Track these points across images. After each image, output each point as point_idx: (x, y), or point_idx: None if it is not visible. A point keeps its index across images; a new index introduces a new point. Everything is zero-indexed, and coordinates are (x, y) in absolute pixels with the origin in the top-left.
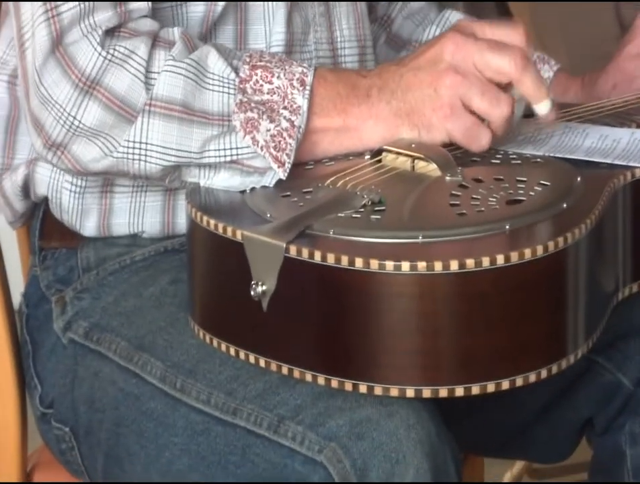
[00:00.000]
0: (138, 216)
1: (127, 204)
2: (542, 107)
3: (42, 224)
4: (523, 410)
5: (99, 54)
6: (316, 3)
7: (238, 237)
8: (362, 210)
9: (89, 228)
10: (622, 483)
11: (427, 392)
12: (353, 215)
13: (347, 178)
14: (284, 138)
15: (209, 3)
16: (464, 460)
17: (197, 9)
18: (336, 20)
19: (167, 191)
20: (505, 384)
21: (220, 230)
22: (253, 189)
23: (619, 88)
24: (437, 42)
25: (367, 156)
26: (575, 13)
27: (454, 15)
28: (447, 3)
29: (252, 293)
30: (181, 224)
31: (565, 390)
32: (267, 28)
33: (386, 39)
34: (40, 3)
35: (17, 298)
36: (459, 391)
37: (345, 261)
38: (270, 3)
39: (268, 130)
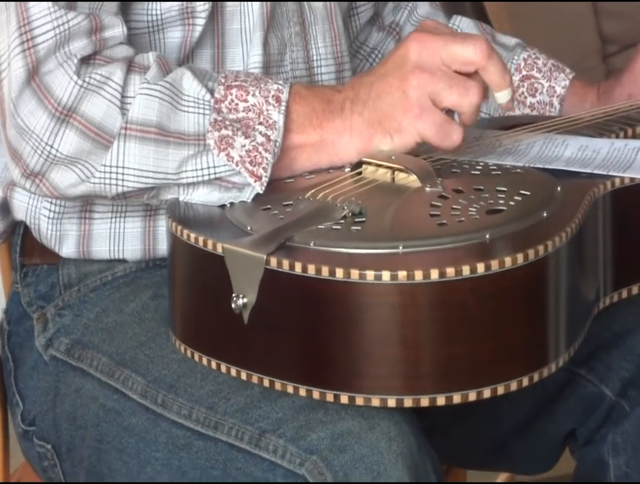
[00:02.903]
0: (118, 243)
1: (106, 231)
2: (504, 95)
3: (22, 240)
4: (505, 422)
5: (75, 82)
6: (292, 22)
7: (219, 250)
8: (343, 221)
9: (68, 253)
10: None
11: (408, 402)
12: (334, 226)
13: (328, 190)
14: (260, 153)
15: (186, 28)
16: (447, 473)
17: (174, 35)
18: (312, 39)
19: (147, 216)
20: (487, 393)
21: (201, 244)
22: (232, 203)
23: (634, 97)
24: (403, 44)
25: (347, 169)
26: (557, 28)
27: (463, 21)
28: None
29: (233, 306)
30: (162, 250)
31: (547, 402)
32: (245, 51)
33: None
34: (16, 33)
35: None
36: (440, 400)
37: (325, 271)
38: (247, 26)
39: (243, 146)
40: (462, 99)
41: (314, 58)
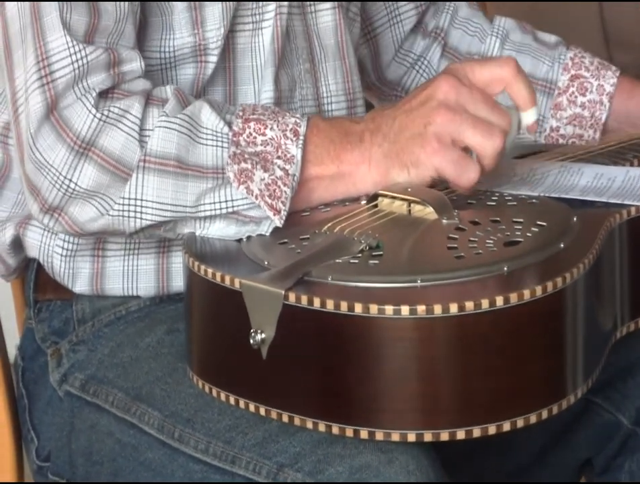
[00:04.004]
0: (132, 280)
1: (119, 268)
2: (530, 115)
3: (36, 276)
4: (522, 453)
5: (94, 116)
6: (301, 60)
7: (237, 286)
8: (360, 255)
9: (81, 290)
10: None
11: (428, 436)
12: (351, 260)
13: (344, 224)
14: (279, 186)
15: (198, 65)
16: None
17: (187, 72)
18: (322, 76)
19: (160, 253)
20: (506, 426)
21: (218, 279)
22: (249, 237)
23: None
24: (431, 84)
25: (363, 201)
26: None
27: (506, 22)
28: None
29: (251, 341)
30: (176, 287)
31: (564, 431)
32: (256, 87)
33: (442, 54)
34: (34, 68)
35: (12, 351)
36: (460, 434)
37: (344, 307)
38: (258, 63)
39: (262, 179)
40: (486, 141)
41: (324, 95)
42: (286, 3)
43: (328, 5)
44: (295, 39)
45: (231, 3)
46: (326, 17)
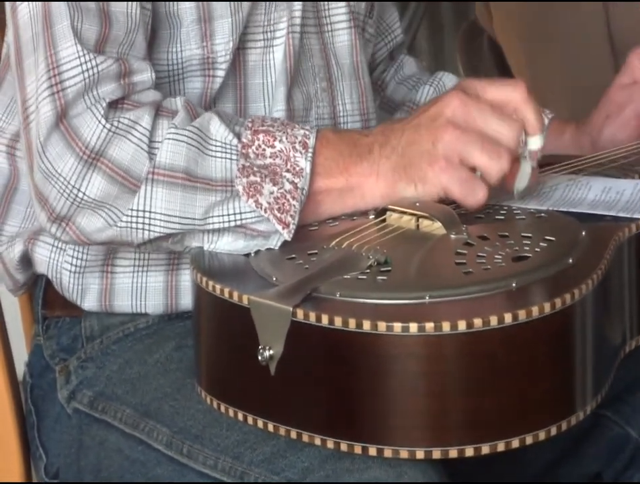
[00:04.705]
0: (141, 297)
1: (128, 285)
2: (536, 141)
3: (44, 293)
4: (531, 467)
5: (103, 126)
6: (318, 78)
7: (245, 302)
8: (368, 271)
9: (90, 306)
10: None
11: (437, 453)
12: (359, 276)
13: (352, 239)
14: (288, 200)
15: (206, 79)
16: None
17: (194, 85)
18: (339, 95)
19: (169, 271)
20: (515, 443)
21: (226, 295)
22: (257, 252)
23: (611, 119)
24: (441, 100)
25: (371, 216)
26: (575, 68)
27: (447, 77)
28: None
29: (259, 358)
30: (185, 304)
31: (573, 445)
32: (267, 106)
33: (380, 104)
34: (45, 77)
35: (20, 367)
36: (469, 451)
37: (352, 323)
38: (269, 80)
39: (271, 193)
40: (492, 162)
41: (341, 114)
42: (298, 22)
43: (344, 24)
44: (312, 58)
45: (241, 17)
46: (342, 37)
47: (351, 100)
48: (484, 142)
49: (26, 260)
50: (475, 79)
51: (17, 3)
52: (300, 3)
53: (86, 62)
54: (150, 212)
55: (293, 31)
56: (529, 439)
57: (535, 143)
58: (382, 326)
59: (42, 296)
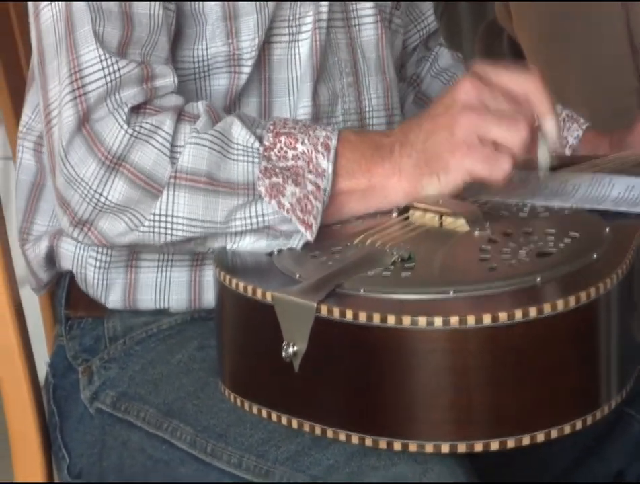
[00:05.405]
0: (164, 292)
1: (152, 280)
2: (550, 124)
3: (67, 293)
4: (555, 465)
5: (125, 131)
6: (344, 73)
7: (268, 299)
8: (392, 267)
9: (114, 302)
10: None
11: (462, 447)
12: (384, 273)
13: (376, 236)
14: (310, 201)
15: (231, 75)
16: None
17: (220, 82)
18: (365, 90)
19: (193, 266)
20: (540, 437)
21: (250, 292)
22: (280, 250)
23: None
24: (454, 87)
25: (394, 214)
26: (595, 68)
27: None
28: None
29: (283, 354)
30: (208, 300)
31: (596, 442)
32: (292, 101)
33: (414, 99)
34: (67, 81)
35: (40, 367)
36: (494, 445)
37: (377, 318)
38: (294, 75)
39: (294, 194)
40: (511, 132)
41: (367, 109)
42: (325, 17)
43: (371, 18)
44: (338, 53)
45: (267, 15)
46: (369, 31)
47: (377, 95)
48: (500, 116)
49: (51, 257)
50: (489, 65)
51: (40, 7)
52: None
53: (108, 67)
54: (172, 216)
55: (320, 26)
56: (554, 433)
57: (549, 123)
58: (406, 320)
59: (65, 296)
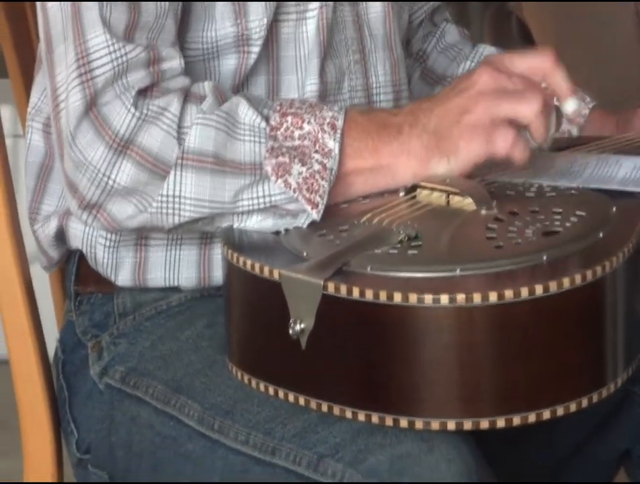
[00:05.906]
0: (174, 270)
1: (162, 258)
2: (570, 104)
3: (77, 269)
4: (561, 444)
5: (133, 114)
6: (351, 50)
7: (276, 277)
8: (399, 245)
9: (124, 280)
10: None
11: (468, 425)
12: (390, 251)
13: (383, 215)
14: (317, 180)
15: (240, 55)
16: None
17: (229, 62)
18: (372, 67)
19: (202, 244)
20: (546, 414)
21: (257, 270)
22: (287, 228)
23: None
24: (471, 75)
25: (401, 193)
26: (604, 52)
27: (487, 50)
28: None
29: (290, 331)
30: (218, 277)
31: (601, 422)
32: (300, 78)
33: (420, 75)
34: (74, 65)
35: (49, 342)
36: (500, 422)
37: (383, 296)
38: (302, 53)
39: (300, 173)
40: (523, 105)
41: (374, 85)
42: None
43: None
44: (345, 30)
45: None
46: (376, 7)
47: (384, 71)
48: (508, 93)
49: (61, 236)
50: (502, 53)
51: None
52: None
53: (115, 51)
54: (180, 197)
55: (327, 4)
56: (560, 411)
57: (569, 106)
58: (413, 298)
59: (75, 272)
